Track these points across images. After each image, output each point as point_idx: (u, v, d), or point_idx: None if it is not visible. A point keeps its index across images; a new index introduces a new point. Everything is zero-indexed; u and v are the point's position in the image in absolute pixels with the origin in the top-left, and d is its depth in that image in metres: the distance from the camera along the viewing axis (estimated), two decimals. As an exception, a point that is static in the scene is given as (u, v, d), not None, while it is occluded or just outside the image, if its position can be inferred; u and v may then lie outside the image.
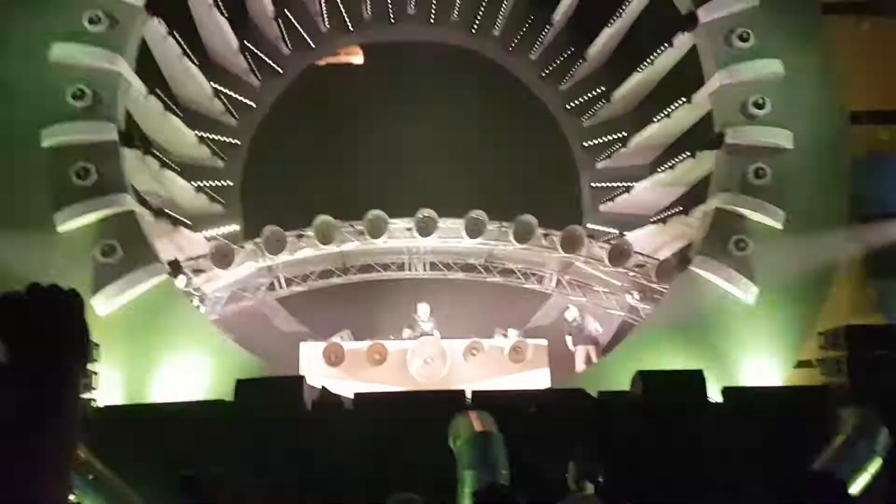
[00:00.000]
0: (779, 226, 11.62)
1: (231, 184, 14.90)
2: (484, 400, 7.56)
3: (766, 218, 11.67)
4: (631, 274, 13.37)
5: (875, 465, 6.18)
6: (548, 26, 15.44)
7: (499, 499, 3.72)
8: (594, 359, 12.69)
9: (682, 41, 13.18)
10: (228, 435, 6.84)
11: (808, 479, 3.16)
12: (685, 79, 13.29)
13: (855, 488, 5.97)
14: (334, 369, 11.85)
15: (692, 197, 13.42)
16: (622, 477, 5.53)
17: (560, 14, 15.18)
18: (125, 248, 10.62)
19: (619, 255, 12.91)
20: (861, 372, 8.11)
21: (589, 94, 15.71)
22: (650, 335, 11.63)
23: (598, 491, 5.09)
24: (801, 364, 11.30)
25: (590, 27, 14.95)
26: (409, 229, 13.17)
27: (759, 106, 11.91)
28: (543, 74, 15.96)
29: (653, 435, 6.94)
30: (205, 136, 14.38)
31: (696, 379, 7.84)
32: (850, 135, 12.54)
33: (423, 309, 12.78)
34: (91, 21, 10.97)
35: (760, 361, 10.93)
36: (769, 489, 5.63)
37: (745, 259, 11.51)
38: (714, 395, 8.19)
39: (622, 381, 8.63)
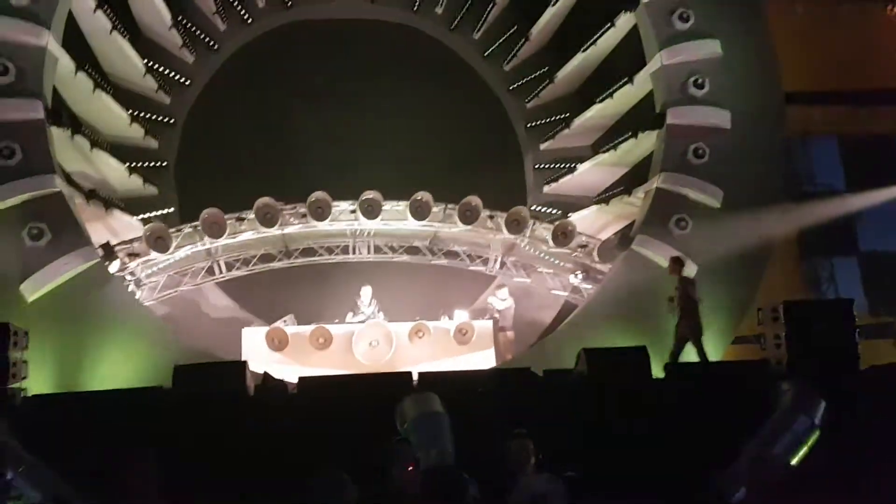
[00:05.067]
0: (717, 204, 11.87)
1: (166, 164, 14.37)
2: (430, 381, 7.47)
3: (705, 197, 11.92)
4: (574, 254, 13.48)
5: (814, 438, 6.34)
6: (491, 4, 15.33)
7: (445, 479, 3.66)
8: (511, 340, 12.80)
9: (624, 21, 13.27)
10: (168, 423, 6.60)
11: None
12: (627, 59, 13.39)
13: (794, 461, 6.12)
14: (278, 354, 11.60)
15: (634, 177, 13.57)
16: (568, 454, 5.54)
17: (503, -7, 15.11)
18: (54, 232, 10.15)
19: (563, 235, 13.00)
20: (799, 346, 8.33)
21: (532, 75, 15.68)
22: (593, 314, 11.76)
23: (538, 469, 5.06)
24: (738, 339, 11.62)
25: (532, 6, 14.91)
26: (353, 212, 12.96)
27: (699, 86, 12.12)
28: (486, 54, 15.86)
29: (599, 411, 6.99)
30: (137, 114, 13.81)
31: (639, 356, 7.92)
32: (784, 115, 12.87)
33: (365, 292, 12.62)
34: (15, -7, 10.37)
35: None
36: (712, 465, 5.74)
37: (685, 238, 11.73)
38: (657, 370, 8.31)
39: (567, 360, 8.69)
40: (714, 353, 11.08)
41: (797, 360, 8.22)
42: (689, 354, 9.57)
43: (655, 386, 7.77)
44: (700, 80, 12.07)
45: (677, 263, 9.99)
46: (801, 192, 14.30)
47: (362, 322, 12.18)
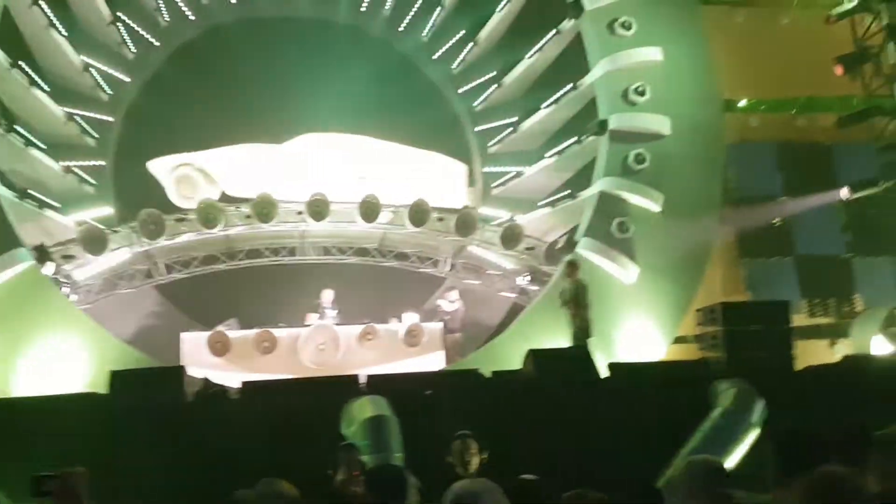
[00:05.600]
0: (658, 209, 12.15)
1: (103, 164, 13.92)
2: (378, 384, 7.43)
3: (646, 201, 12.19)
4: (522, 257, 13.59)
5: (752, 436, 6.52)
6: (438, 8, 15.34)
7: (388, 478, 3.66)
8: (461, 342, 12.86)
9: (569, 28, 13.47)
10: (104, 429, 6.39)
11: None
12: (575, 63, 13.58)
13: (732, 459, 6.28)
14: (219, 360, 11.33)
15: (579, 181, 13.76)
16: (517, 454, 5.57)
17: (450, -5, 15.14)
18: (-15, 233, 9.76)
19: (511, 238, 13.09)
20: (735, 346, 8.59)
21: (481, 79, 15.74)
22: (541, 315, 11.87)
23: (482, 469, 5.07)
24: (678, 340, 11.91)
25: (480, 10, 14.99)
26: (299, 213, 12.78)
27: (641, 93, 12.39)
28: (435, 57, 15.87)
29: (546, 411, 7.05)
30: (74, 112, 13.36)
31: (584, 355, 8.06)
32: (723, 122, 13.25)
33: (326, 295, 12.48)
34: (-56, -14, 9.96)
35: (643, 338, 11.41)
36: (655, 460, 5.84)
37: (627, 241, 11.99)
38: (601, 370, 8.44)
39: (515, 361, 8.76)
40: (656, 352, 11.36)
41: (734, 359, 8.45)
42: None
43: (600, 385, 7.90)
44: (641, 88, 12.35)
45: (572, 267, 10.20)
46: (740, 197, 14.73)
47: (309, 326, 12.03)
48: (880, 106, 15.14)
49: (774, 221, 15.08)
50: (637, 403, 7.13)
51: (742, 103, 15.49)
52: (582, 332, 9.61)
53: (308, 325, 12.11)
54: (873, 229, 15.44)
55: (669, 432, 6.49)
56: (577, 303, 9.71)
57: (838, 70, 15.04)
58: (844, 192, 14.69)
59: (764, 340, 8.61)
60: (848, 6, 15.15)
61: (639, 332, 11.48)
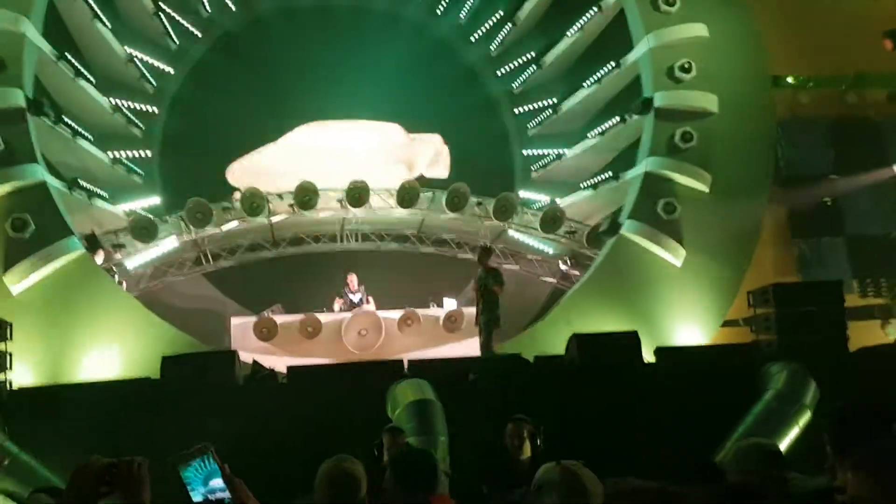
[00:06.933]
0: (706, 189, 11.86)
1: (150, 154, 14.19)
2: (421, 368, 7.45)
3: (693, 181, 11.89)
4: (563, 240, 13.45)
5: (804, 419, 6.36)
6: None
7: (414, 461, 3.49)
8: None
9: (611, 5, 13.21)
10: (157, 414, 6.53)
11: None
12: (616, 42, 13.33)
13: (785, 442, 6.14)
14: (266, 344, 11.52)
15: (622, 161, 13.55)
16: (561, 440, 5.52)
17: (489, -23, 14.99)
18: (37, 222, 10.03)
19: (551, 221, 12.96)
20: (788, 328, 8.36)
21: (519, 60, 15.58)
22: (583, 300, 11.75)
23: (536, 454, 5.01)
24: (728, 323, 11.66)
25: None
26: (340, 200, 12.86)
27: (686, 70, 12.07)
28: (473, 40, 15.74)
29: (591, 396, 6.97)
30: (120, 103, 13.62)
31: (630, 340, 7.92)
32: (772, 98, 12.86)
33: (352, 279, 12.56)
34: (-7, -19, 10.20)
35: (690, 321, 11.21)
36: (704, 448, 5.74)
37: (673, 222, 11.72)
38: (647, 355, 8.32)
39: (557, 346, 8.68)
40: (703, 336, 11.15)
41: (787, 341, 8.24)
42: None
43: (647, 370, 7.77)
44: (687, 64, 12.02)
45: (486, 253, 9.86)
46: (789, 175, 14.32)
47: (350, 310, 12.11)
48: (932, 81, 14.53)
49: (825, 200, 14.62)
50: (685, 388, 7.00)
51: (790, 79, 15.00)
52: (487, 323, 9.29)
53: (335, 311, 12.19)
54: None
55: (719, 416, 6.37)
56: (486, 292, 9.39)
57: (887, 45, 14.44)
58: None
59: (817, 322, 8.36)
60: (898, -23, 14.52)
61: (687, 315, 11.28)
